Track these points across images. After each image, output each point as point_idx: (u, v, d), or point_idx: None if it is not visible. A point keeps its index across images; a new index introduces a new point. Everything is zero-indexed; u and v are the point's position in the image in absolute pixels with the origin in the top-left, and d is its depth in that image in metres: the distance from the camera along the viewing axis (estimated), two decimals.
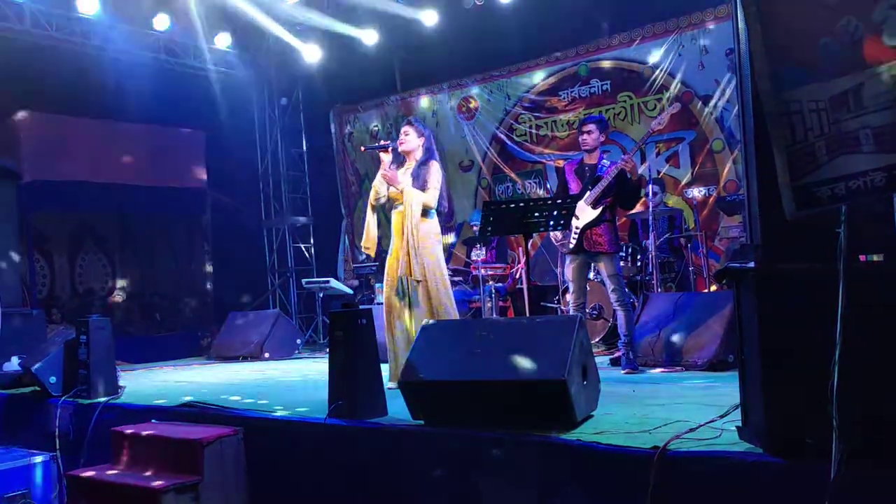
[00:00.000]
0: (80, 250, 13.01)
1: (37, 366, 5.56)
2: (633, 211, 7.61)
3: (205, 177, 12.28)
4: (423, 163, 5.15)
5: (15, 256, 7.08)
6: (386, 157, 5.18)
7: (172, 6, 9.75)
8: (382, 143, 5.29)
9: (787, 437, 2.54)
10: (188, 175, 12.11)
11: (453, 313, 5.08)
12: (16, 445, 5.12)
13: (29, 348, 6.40)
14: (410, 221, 4.97)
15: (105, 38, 9.78)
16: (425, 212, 5.06)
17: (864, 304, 2.28)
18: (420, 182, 5.07)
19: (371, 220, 5.24)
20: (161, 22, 9.95)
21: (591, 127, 5.57)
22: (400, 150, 5.20)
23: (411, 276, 4.93)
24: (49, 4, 9.19)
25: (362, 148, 5.81)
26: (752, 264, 2.68)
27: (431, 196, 5.08)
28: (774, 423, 2.58)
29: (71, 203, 11.43)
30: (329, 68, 10.95)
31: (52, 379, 5.55)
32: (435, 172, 5.12)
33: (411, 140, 5.19)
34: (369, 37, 10.16)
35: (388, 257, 5.14)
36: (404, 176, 5.13)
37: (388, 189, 5.15)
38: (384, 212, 5.34)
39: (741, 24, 2.61)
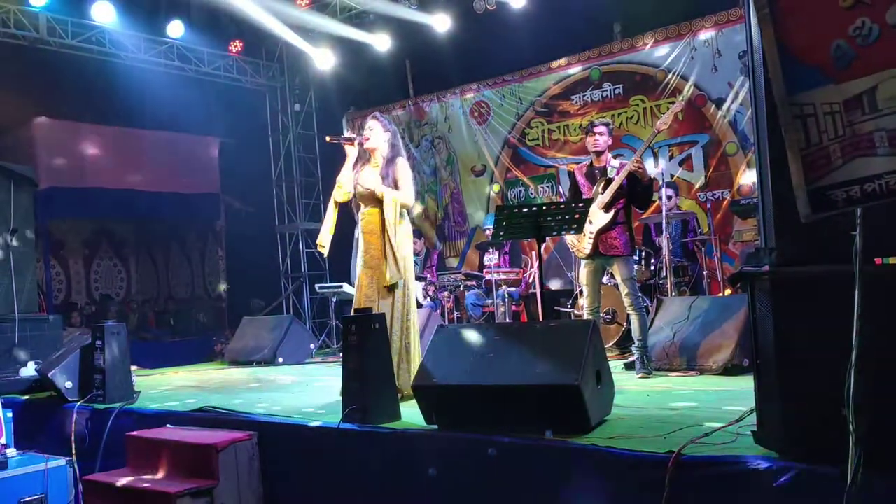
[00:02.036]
0: (95, 256, 13.13)
1: (53, 371, 5.60)
2: (647, 214, 7.59)
3: (219, 182, 12.36)
4: (391, 161, 4.95)
5: (31, 262, 7.13)
6: (351, 151, 5.00)
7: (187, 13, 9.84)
8: (348, 135, 5.08)
9: (803, 442, 2.53)
10: (202, 181, 12.20)
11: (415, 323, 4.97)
12: (32, 450, 5.13)
13: (45, 354, 6.45)
14: (390, 223, 4.80)
15: (120, 46, 9.87)
16: (400, 212, 4.91)
17: (880, 307, 2.27)
18: (390, 181, 4.90)
19: (331, 217, 5.04)
20: (175, 29, 10.03)
21: (603, 129, 5.56)
22: (365, 146, 4.98)
23: (387, 280, 4.77)
24: (65, 13, 9.29)
25: (327, 138, 5.27)
26: (766, 267, 2.66)
27: (407, 194, 4.91)
28: (790, 428, 2.56)
29: (86, 209, 11.56)
30: (342, 74, 11.01)
31: (68, 384, 5.58)
32: (404, 169, 4.95)
33: (377, 136, 4.97)
34: (382, 42, 10.21)
35: (360, 259, 4.94)
36: (372, 175, 4.95)
37: (355, 187, 4.97)
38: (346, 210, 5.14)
39: (754, 27, 2.60)
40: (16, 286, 6.68)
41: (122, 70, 9.99)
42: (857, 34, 2.05)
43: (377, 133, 4.98)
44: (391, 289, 4.82)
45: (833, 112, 2.09)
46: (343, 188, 5.00)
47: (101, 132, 10.97)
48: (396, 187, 4.91)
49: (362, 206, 5.01)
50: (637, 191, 5.45)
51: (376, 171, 4.96)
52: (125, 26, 9.67)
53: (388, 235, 4.80)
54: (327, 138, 5.21)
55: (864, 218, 2.17)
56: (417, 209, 4.99)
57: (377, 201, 4.90)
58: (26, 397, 6.03)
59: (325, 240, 5.04)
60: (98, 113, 10.49)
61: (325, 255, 5.10)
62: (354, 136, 5.07)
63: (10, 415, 5.20)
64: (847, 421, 2.22)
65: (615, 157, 5.75)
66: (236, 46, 10.85)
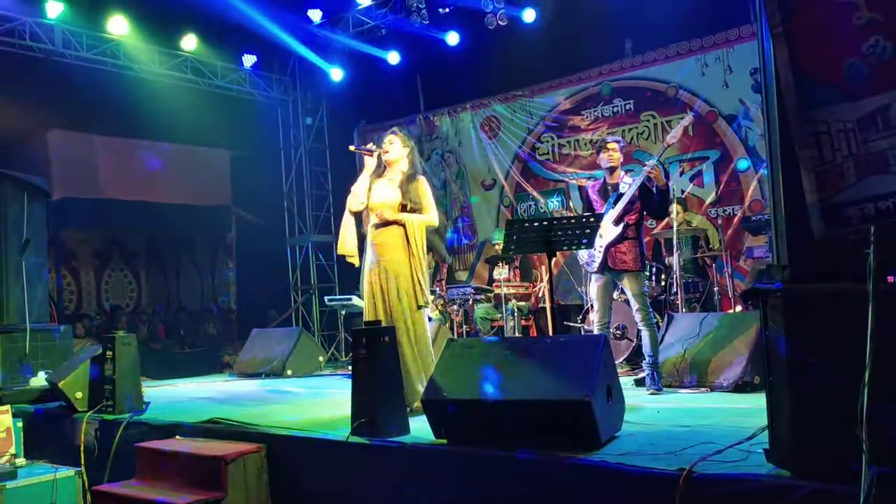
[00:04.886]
0: (106, 267, 13.18)
1: (63, 381, 5.62)
2: (658, 230, 7.57)
3: (230, 195, 12.42)
4: (412, 178, 4.97)
5: (43, 273, 7.17)
6: (370, 161, 5.04)
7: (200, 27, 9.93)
8: (371, 146, 5.12)
9: (816, 460, 2.51)
10: (214, 193, 12.26)
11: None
12: (42, 460, 5.16)
13: (56, 363, 6.48)
14: (416, 247, 4.82)
15: (134, 59, 9.96)
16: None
17: (893, 325, 2.25)
18: (410, 198, 4.90)
19: (349, 225, 5.06)
20: (188, 42, 10.12)
21: (616, 145, 5.59)
22: (384, 158, 4.99)
23: (420, 302, 4.80)
24: (80, 25, 9.38)
25: (351, 147, 5.33)
26: (779, 284, 2.65)
27: (432, 216, 4.95)
28: (802, 446, 2.55)
29: (98, 220, 11.62)
30: (354, 88, 11.08)
31: (78, 394, 5.60)
32: (426, 189, 4.96)
33: (396, 149, 4.98)
34: (393, 57, 10.28)
35: (370, 274, 4.92)
36: (389, 189, 4.95)
37: (368, 198, 4.98)
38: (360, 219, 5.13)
39: (767, 44, 2.61)
40: (28, 296, 6.71)
41: (136, 82, 10.07)
42: (871, 52, 2.05)
43: (396, 147, 5.00)
44: (403, 302, 4.81)
45: (847, 130, 2.09)
46: (357, 197, 5.01)
47: (115, 144, 11.05)
48: (419, 205, 4.92)
49: (373, 217, 5.00)
50: (651, 199, 5.45)
51: (393, 186, 4.96)
52: (139, 39, 9.76)
53: (414, 259, 4.82)
54: (351, 148, 5.27)
55: (877, 236, 2.16)
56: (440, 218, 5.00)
57: (391, 213, 4.90)
58: (36, 407, 6.05)
59: (350, 249, 5.08)
60: (111, 125, 10.56)
61: (357, 265, 5.10)
62: (375, 148, 5.09)
63: (20, 424, 5.22)
64: (860, 440, 2.20)
65: (626, 171, 5.76)
66: (249, 60, 10.93)
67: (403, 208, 4.90)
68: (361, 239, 5.11)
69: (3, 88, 9.10)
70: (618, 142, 5.66)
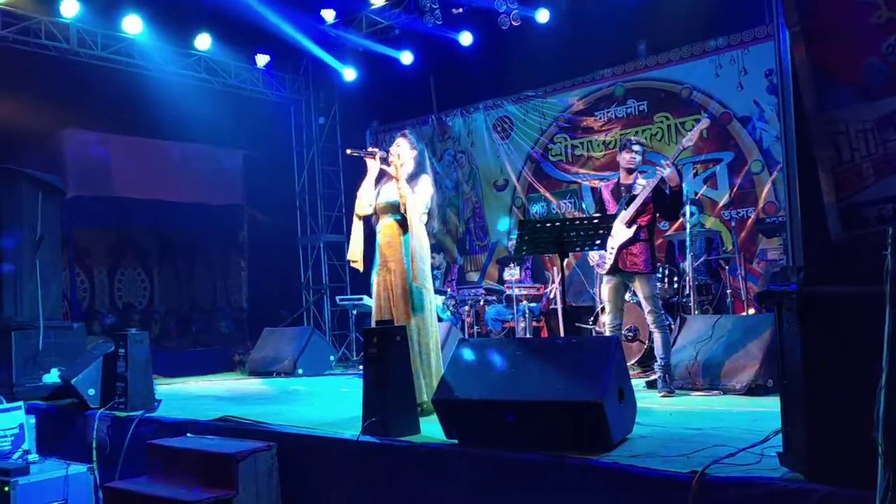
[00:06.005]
0: (119, 265, 13.24)
1: (76, 378, 5.64)
2: (670, 232, 7.54)
3: (242, 194, 12.46)
4: (414, 177, 4.94)
5: (58, 271, 7.21)
6: (372, 165, 5.02)
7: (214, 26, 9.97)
8: (370, 149, 5.09)
9: (830, 464, 2.49)
10: (226, 192, 12.30)
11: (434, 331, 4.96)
12: (53, 456, 5.17)
13: (69, 361, 6.50)
14: (412, 225, 4.81)
15: (148, 58, 10.01)
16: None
17: None
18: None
19: (357, 231, 5.05)
20: (202, 42, 10.16)
21: (639, 148, 5.57)
22: (390, 160, 4.97)
23: (416, 281, 4.78)
24: (95, 24, 9.44)
25: (348, 151, 5.23)
26: (794, 286, 2.63)
27: (418, 196, 4.88)
28: (817, 450, 2.52)
29: (112, 219, 11.67)
30: (366, 88, 11.09)
31: (91, 391, 5.63)
32: (424, 185, 4.93)
33: (402, 152, 4.98)
34: (406, 57, 10.28)
35: (376, 271, 4.97)
36: (395, 189, 4.93)
37: (376, 199, 5.01)
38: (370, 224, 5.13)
39: (784, 45, 2.59)
40: (42, 294, 6.74)
41: (150, 82, 10.12)
42: (890, 52, 2.03)
43: (403, 150, 5.01)
44: (409, 299, 4.80)
45: (866, 130, 2.07)
46: (363, 202, 5.03)
47: (129, 143, 11.11)
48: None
49: (381, 218, 5.02)
50: (665, 201, 5.42)
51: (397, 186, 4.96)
52: (154, 38, 9.81)
53: (410, 237, 4.81)
54: (348, 151, 5.24)
55: (895, 237, 2.13)
56: (436, 225, 4.97)
57: (396, 212, 4.91)
58: (49, 404, 6.08)
59: (356, 255, 5.05)
60: (126, 124, 10.61)
61: (361, 270, 5.08)
62: (376, 150, 5.09)
63: (32, 421, 5.25)
64: (876, 443, 2.18)
65: (640, 172, 5.74)
66: (263, 60, 10.96)
67: (403, 207, 4.89)
68: (371, 243, 5.11)
69: (19, 87, 9.15)
70: (642, 145, 5.65)
